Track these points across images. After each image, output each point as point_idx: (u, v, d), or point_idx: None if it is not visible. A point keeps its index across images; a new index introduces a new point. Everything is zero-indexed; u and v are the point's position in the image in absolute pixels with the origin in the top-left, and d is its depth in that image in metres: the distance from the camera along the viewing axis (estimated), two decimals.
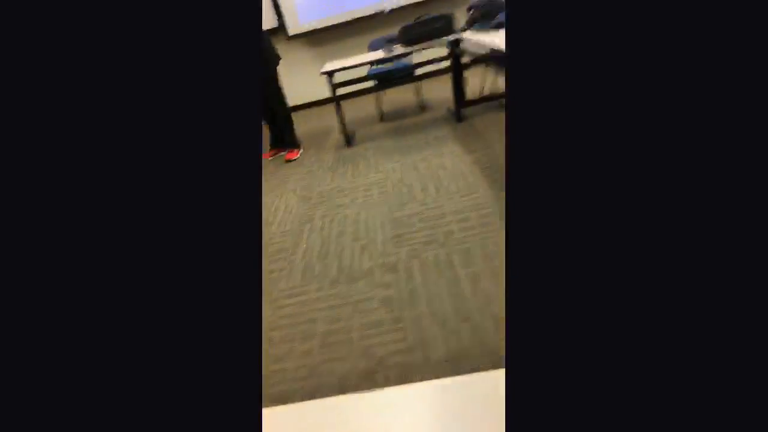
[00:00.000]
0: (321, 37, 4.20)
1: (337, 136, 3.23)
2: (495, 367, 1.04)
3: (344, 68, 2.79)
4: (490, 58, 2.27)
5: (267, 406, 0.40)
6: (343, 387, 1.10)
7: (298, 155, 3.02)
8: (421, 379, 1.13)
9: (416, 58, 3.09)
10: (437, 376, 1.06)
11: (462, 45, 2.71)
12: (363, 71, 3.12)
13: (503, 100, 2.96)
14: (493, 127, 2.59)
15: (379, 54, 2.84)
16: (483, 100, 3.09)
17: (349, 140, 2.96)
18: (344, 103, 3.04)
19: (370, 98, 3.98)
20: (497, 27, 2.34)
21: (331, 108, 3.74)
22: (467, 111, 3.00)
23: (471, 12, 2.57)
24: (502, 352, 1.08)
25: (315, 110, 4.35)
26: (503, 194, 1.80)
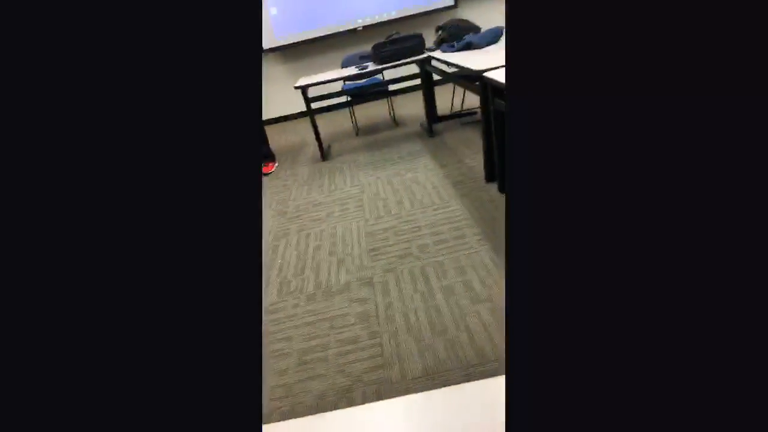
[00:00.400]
0: (295, 52, 4.22)
1: (312, 149, 3.23)
2: (468, 379, 1.07)
3: (318, 83, 2.82)
4: (459, 76, 2.37)
5: None
6: (320, 406, 1.09)
7: (274, 168, 3.00)
8: (402, 394, 1.14)
9: (389, 75, 3.17)
10: (417, 390, 1.08)
11: (432, 63, 2.82)
12: (337, 86, 3.17)
13: (473, 117, 3.08)
14: (463, 142, 2.69)
15: (353, 70, 2.90)
16: (453, 116, 3.21)
17: (324, 154, 2.98)
18: (319, 118, 3.07)
19: (344, 113, 4.02)
20: (464, 48, 2.45)
21: (305, 122, 3.74)
22: (438, 126, 3.10)
23: (439, 33, 2.68)
24: (478, 365, 1.11)
25: (289, 124, 4.34)
26: (474, 207, 1.87)
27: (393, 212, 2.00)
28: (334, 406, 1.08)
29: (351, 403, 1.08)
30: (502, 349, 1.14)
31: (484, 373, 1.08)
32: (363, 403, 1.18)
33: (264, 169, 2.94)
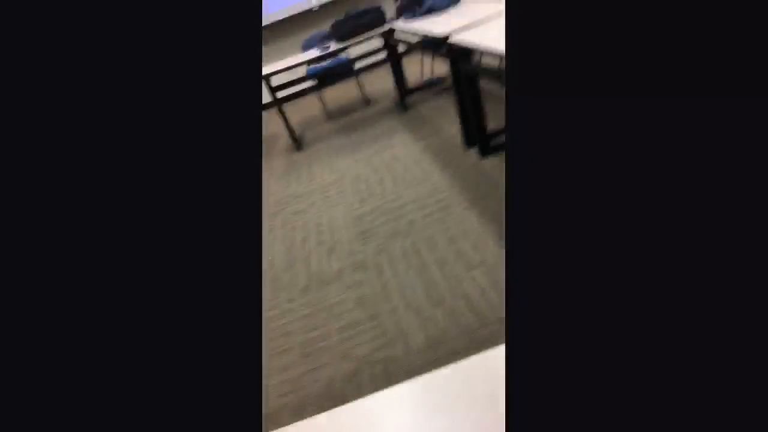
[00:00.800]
0: None
1: (285, 140, 3.14)
2: (472, 343, 1.07)
3: (280, 70, 2.71)
4: (424, 45, 2.30)
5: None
6: (330, 394, 1.08)
7: None
8: (405, 371, 1.14)
9: (353, 53, 3.07)
10: (421, 365, 1.08)
11: (395, 35, 2.73)
12: (301, 71, 3.05)
13: (444, 83, 3.03)
14: (438, 111, 2.65)
15: (314, 52, 2.79)
16: (424, 86, 3.14)
17: (298, 144, 2.90)
18: (287, 106, 2.96)
19: (313, 99, 3.91)
20: (426, 13, 2.37)
21: (274, 113, 3.62)
22: (411, 99, 3.04)
23: (397, 1, 2.58)
24: (479, 329, 1.11)
25: None
26: (457, 175, 1.85)
27: (376, 193, 1.97)
28: (342, 393, 1.07)
29: (359, 386, 1.07)
30: (501, 309, 1.14)
31: (485, 336, 1.08)
32: (371, 384, 1.17)
33: None
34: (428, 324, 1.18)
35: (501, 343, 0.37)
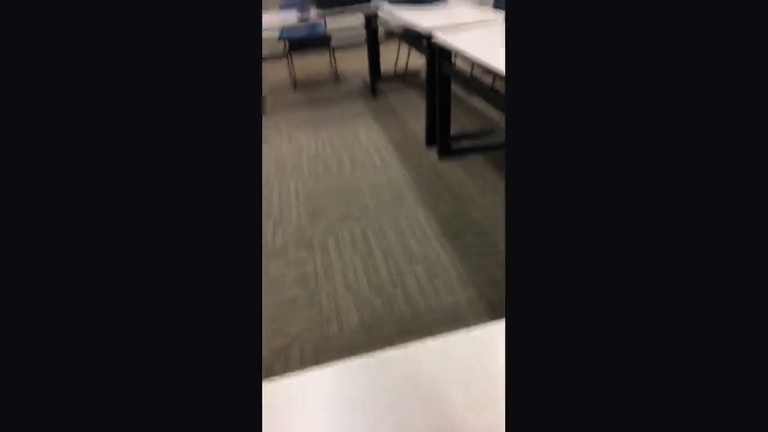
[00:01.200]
0: None
1: None
2: (402, 332, 1.14)
3: None
4: (405, 35, 2.30)
5: None
6: None
7: None
8: (336, 351, 1.17)
9: (331, 25, 2.96)
10: (351, 347, 1.12)
11: (378, 18, 2.68)
12: (274, 34, 2.88)
13: (417, 78, 3.05)
14: (406, 104, 2.67)
15: (292, 17, 2.64)
16: (397, 76, 3.14)
17: None
18: None
19: (281, 64, 3.71)
20: (412, 1, 2.36)
21: None
22: (382, 86, 3.02)
23: None
24: (411, 320, 1.18)
25: None
26: (414, 171, 1.90)
27: (333, 173, 1.96)
28: (271, 366, 1.08)
29: (287, 361, 1.09)
30: (434, 302, 1.22)
31: (417, 326, 1.15)
32: (300, 361, 1.19)
33: None
34: (365, 308, 1.22)
35: (430, 334, 0.41)
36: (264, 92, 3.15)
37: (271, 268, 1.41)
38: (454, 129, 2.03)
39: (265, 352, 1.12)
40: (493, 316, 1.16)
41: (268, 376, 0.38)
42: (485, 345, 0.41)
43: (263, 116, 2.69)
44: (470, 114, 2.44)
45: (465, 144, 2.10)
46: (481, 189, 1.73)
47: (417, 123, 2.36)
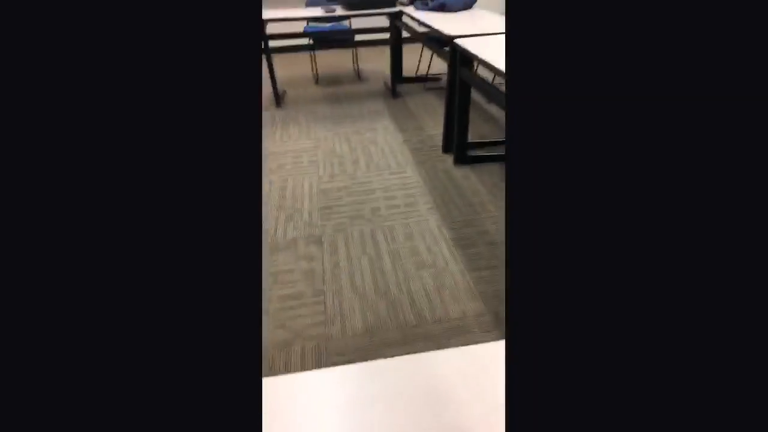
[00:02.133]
0: None
1: (266, 93, 2.99)
2: (405, 339, 1.13)
3: (279, 19, 2.55)
4: (429, 38, 2.29)
5: None
6: None
7: None
8: (337, 352, 1.17)
9: (356, 23, 2.96)
10: (353, 349, 1.12)
11: (403, 19, 2.67)
12: (299, 27, 2.89)
13: (438, 83, 3.03)
14: (426, 108, 2.66)
15: (318, 11, 2.65)
16: (418, 79, 3.13)
17: (279, 99, 2.77)
18: (276, 58, 2.81)
19: (304, 57, 3.73)
20: (437, 8, 2.35)
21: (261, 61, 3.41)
22: (402, 88, 3.01)
23: None
24: (415, 328, 1.17)
25: None
26: (429, 176, 1.89)
27: (348, 171, 1.96)
28: (272, 360, 1.09)
29: (288, 356, 1.09)
30: (440, 312, 1.21)
31: (420, 334, 1.15)
32: (301, 358, 1.19)
33: None
34: (369, 311, 1.22)
35: (434, 344, 0.40)
36: (285, 85, 3.16)
37: (279, 261, 1.42)
38: (472, 136, 2.01)
39: (267, 345, 1.12)
40: (500, 331, 1.14)
41: (269, 370, 0.38)
42: (488, 363, 0.40)
43: (281, 108, 2.71)
44: (489, 122, 2.42)
45: (482, 152, 2.08)
46: (496, 199, 1.71)
47: (435, 128, 2.35)
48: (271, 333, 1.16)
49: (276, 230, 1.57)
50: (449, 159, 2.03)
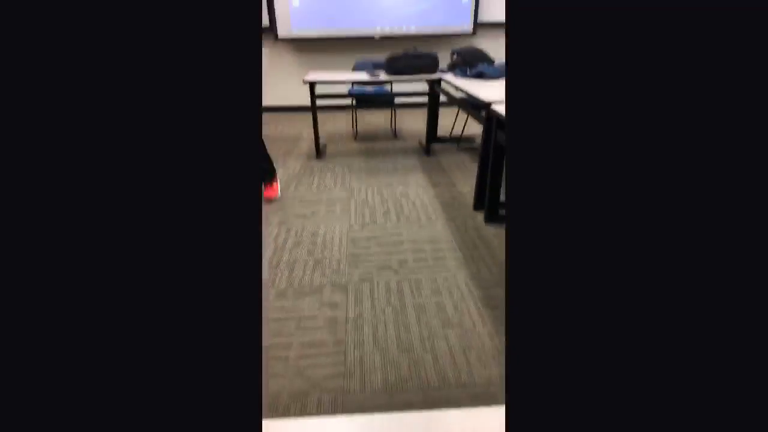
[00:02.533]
0: (309, 46, 4.21)
1: (307, 145, 3.21)
2: (426, 401, 1.06)
3: (327, 81, 2.82)
4: (465, 102, 2.42)
5: None
6: (274, 405, 1.05)
7: (278, 193, 2.27)
8: (355, 407, 1.11)
9: (396, 87, 3.21)
10: (371, 407, 1.06)
11: (442, 85, 2.87)
12: (344, 88, 3.17)
13: (471, 143, 3.14)
14: (458, 166, 2.73)
15: (363, 76, 2.91)
16: (452, 140, 3.26)
17: (319, 152, 2.96)
18: (321, 114, 3.05)
19: (345, 116, 4.02)
20: (476, 76, 2.51)
21: (304, 117, 3.72)
22: (436, 147, 3.14)
23: (454, 56, 2.74)
24: (437, 391, 1.10)
25: (286, 115, 4.29)
26: (459, 232, 1.89)
27: (378, 222, 2.00)
28: (287, 409, 1.04)
29: (304, 407, 1.05)
30: (464, 376, 1.14)
31: (442, 397, 1.07)
32: (317, 410, 1.13)
33: (268, 192, 2.23)
34: (390, 367, 1.17)
35: (456, 407, 0.38)
36: (327, 139, 3.39)
37: (304, 306, 1.42)
38: (504, 196, 2.02)
39: (284, 393, 1.09)
40: None
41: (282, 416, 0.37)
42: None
43: (320, 159, 2.88)
44: None
45: None
46: None
47: (466, 186, 2.39)
48: (288, 379, 1.13)
49: (304, 274, 1.59)
50: (480, 216, 2.03)
